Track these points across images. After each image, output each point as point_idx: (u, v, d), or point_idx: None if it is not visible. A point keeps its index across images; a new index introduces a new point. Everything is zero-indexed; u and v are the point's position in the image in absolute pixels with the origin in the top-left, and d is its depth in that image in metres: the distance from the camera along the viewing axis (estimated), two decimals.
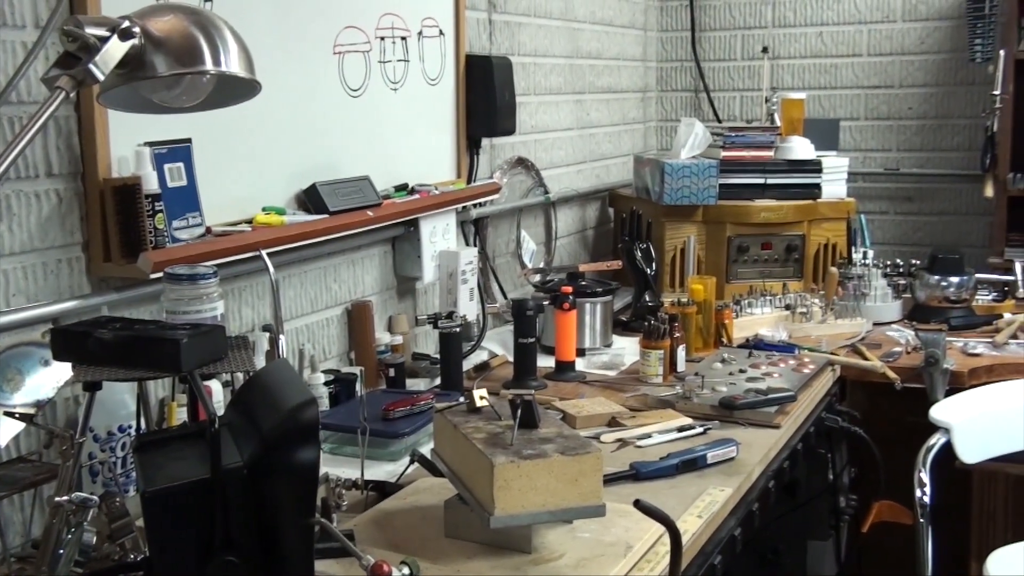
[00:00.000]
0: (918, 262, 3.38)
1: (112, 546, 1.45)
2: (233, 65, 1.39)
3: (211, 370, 1.48)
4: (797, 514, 2.50)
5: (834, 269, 3.32)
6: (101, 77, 1.27)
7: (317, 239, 2.26)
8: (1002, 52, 3.54)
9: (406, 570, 1.40)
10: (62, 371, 1.54)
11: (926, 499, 2.41)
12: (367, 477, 1.88)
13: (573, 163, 3.74)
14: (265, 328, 2.20)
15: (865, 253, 3.42)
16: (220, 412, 1.73)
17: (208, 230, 2.02)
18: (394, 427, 2.11)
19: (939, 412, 2.48)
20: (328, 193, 2.31)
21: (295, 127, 2.30)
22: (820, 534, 2.84)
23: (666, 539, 1.54)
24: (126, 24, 1.30)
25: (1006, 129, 3.59)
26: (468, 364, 2.74)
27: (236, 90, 1.48)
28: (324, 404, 2.27)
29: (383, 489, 1.89)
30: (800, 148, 3.55)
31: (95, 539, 1.44)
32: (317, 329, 2.45)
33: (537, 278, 3.25)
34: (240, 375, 1.72)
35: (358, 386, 2.34)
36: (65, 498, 1.37)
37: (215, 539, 1.21)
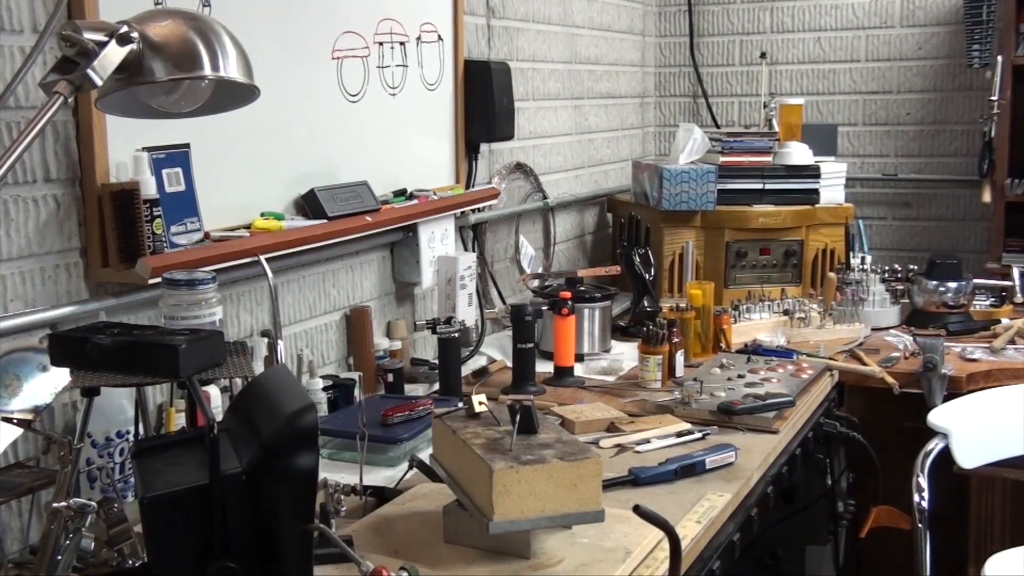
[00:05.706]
0: (916, 267, 3.38)
1: (110, 552, 1.45)
2: (231, 70, 1.39)
3: (209, 376, 1.47)
4: (796, 519, 2.50)
5: (832, 274, 3.32)
6: (99, 82, 1.27)
7: (316, 244, 2.25)
8: (1000, 57, 3.54)
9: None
10: (60, 377, 1.54)
11: (924, 504, 2.41)
12: (366, 483, 1.87)
13: (572, 168, 3.74)
14: (264, 333, 2.20)
15: (863, 258, 3.42)
16: (219, 418, 1.74)
17: (206, 235, 2.02)
18: (393, 432, 2.11)
19: (937, 417, 2.49)
20: (327, 198, 2.31)
21: (293, 132, 2.30)
22: (819, 539, 2.84)
23: (665, 544, 1.54)
24: (124, 29, 1.30)
25: (1004, 134, 3.59)
26: (467, 369, 2.74)
27: (234, 95, 1.48)
28: (323, 409, 2.27)
29: (382, 495, 1.89)
30: (798, 153, 3.56)
31: (93, 545, 1.43)
32: (316, 334, 2.45)
33: (536, 283, 3.25)
34: (239, 381, 1.72)
35: (357, 391, 2.34)
36: (63, 504, 1.37)
37: (214, 545, 1.21)
